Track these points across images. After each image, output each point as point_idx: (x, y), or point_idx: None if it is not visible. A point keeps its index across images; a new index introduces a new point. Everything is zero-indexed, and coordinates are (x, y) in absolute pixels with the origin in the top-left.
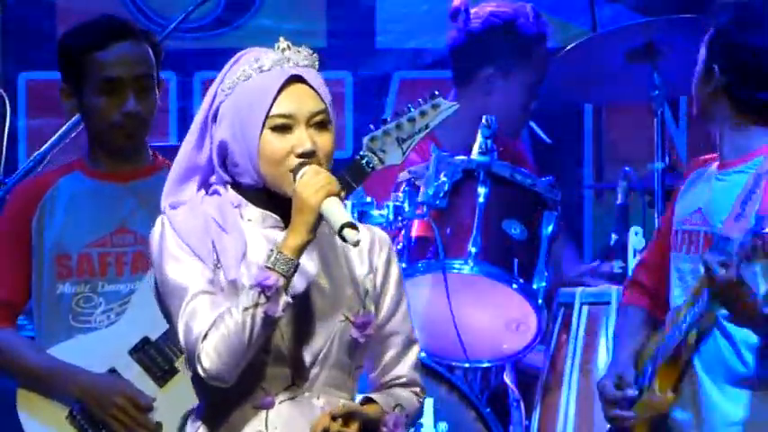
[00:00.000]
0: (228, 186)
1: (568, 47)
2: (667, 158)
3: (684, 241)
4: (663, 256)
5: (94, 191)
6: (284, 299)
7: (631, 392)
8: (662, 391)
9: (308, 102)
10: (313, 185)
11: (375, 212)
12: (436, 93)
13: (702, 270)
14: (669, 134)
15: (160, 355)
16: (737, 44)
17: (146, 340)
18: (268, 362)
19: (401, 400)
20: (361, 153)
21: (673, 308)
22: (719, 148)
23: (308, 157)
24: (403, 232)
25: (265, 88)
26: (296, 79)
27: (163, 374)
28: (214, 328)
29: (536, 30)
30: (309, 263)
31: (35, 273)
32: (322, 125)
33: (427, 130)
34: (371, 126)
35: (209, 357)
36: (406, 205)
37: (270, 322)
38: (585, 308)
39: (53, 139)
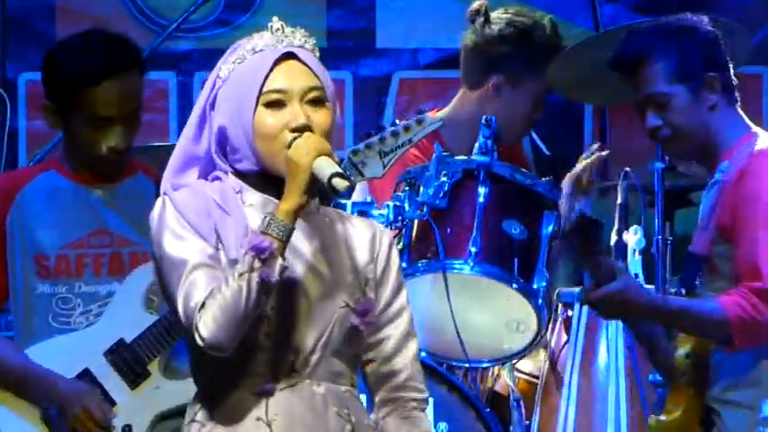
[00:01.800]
0: (230, 173)
1: (568, 47)
2: (667, 158)
3: None
4: None
5: (71, 191)
6: (280, 263)
7: None
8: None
9: (301, 77)
10: (303, 147)
11: (375, 212)
12: (423, 109)
13: None
14: None
15: (134, 358)
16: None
17: (121, 342)
18: (268, 348)
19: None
20: (342, 166)
21: None
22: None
23: (303, 131)
24: (403, 232)
25: (258, 66)
26: (289, 56)
27: (135, 377)
28: (211, 297)
29: (551, 43)
30: (308, 247)
31: (11, 271)
32: (317, 102)
33: (410, 145)
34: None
35: (207, 326)
36: (406, 205)
37: (266, 287)
38: (585, 308)
39: (53, 139)
